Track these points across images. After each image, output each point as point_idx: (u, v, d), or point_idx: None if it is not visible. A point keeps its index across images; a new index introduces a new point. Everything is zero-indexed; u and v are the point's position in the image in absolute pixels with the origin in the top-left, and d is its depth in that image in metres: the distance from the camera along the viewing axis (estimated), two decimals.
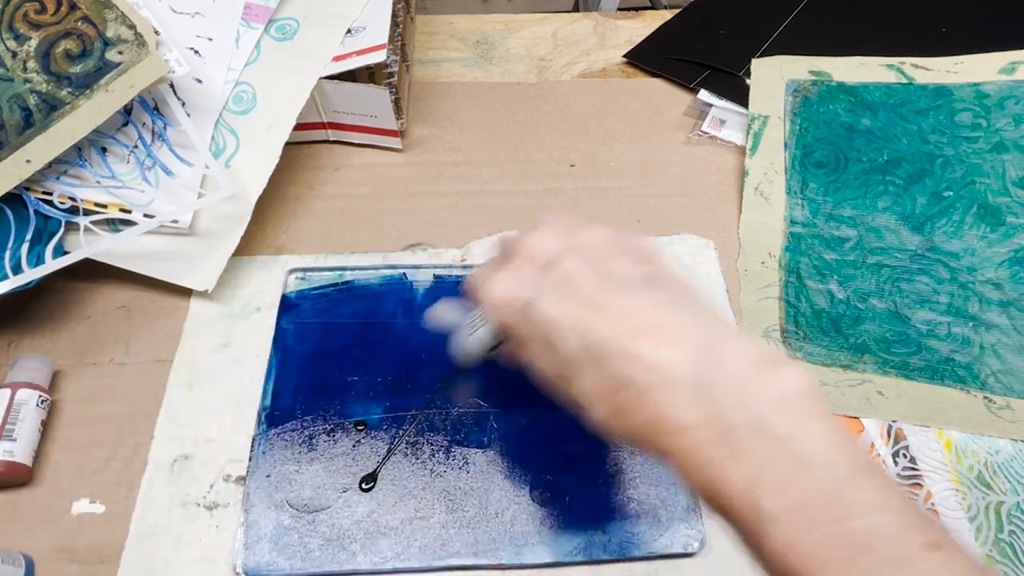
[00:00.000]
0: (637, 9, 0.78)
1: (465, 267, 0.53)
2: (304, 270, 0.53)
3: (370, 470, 0.44)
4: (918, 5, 0.71)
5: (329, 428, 0.45)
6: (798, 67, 0.63)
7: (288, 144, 0.54)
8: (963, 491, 0.44)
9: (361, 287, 0.52)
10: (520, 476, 0.44)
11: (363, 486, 0.43)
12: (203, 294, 0.51)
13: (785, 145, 0.59)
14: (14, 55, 0.47)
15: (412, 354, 0.49)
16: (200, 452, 0.45)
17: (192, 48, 0.54)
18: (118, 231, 0.50)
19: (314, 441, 0.45)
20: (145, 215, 0.50)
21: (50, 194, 0.48)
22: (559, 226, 0.33)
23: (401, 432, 0.45)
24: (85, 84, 0.47)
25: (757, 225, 0.56)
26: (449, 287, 0.52)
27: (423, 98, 0.66)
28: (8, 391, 0.44)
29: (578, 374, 0.29)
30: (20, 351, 0.49)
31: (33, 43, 0.48)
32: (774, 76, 0.63)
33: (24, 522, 0.42)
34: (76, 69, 0.47)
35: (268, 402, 0.47)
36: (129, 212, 0.50)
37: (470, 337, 0.37)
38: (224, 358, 0.49)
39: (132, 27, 0.48)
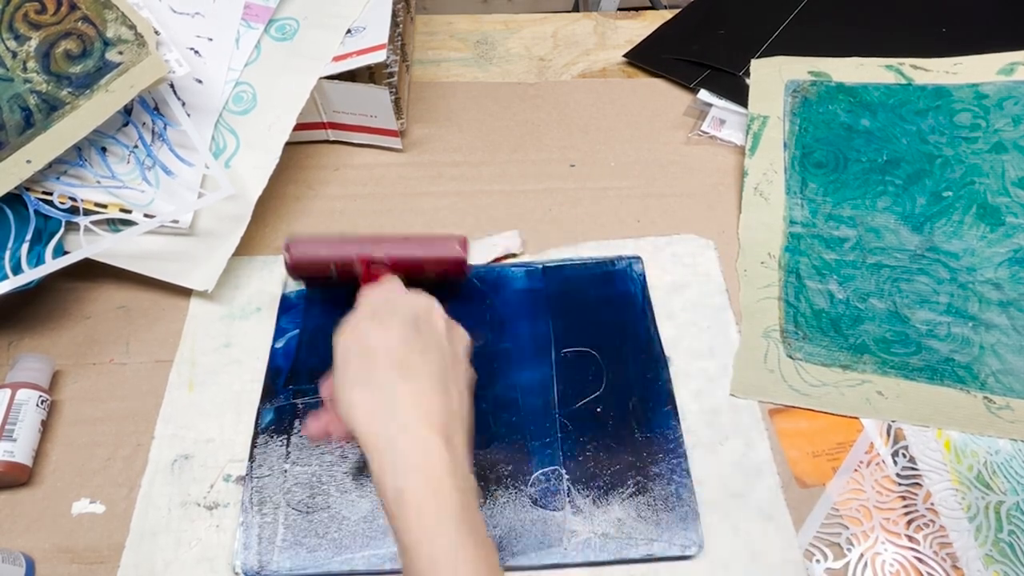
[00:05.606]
0: (637, 9, 0.78)
1: None
2: None
3: None
4: (917, 6, 0.71)
5: None
6: (797, 67, 0.63)
7: (288, 144, 0.54)
8: (963, 491, 0.44)
9: None
10: (520, 477, 0.44)
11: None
12: (203, 294, 0.51)
13: (784, 145, 0.60)
14: (14, 55, 0.47)
15: None
16: (200, 452, 0.45)
17: (192, 48, 0.54)
18: (118, 231, 0.50)
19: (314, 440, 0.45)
20: (145, 215, 0.50)
21: (50, 194, 0.48)
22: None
23: None
24: (85, 84, 0.47)
25: (757, 225, 0.56)
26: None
27: (423, 98, 0.66)
28: (8, 391, 0.44)
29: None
30: (20, 351, 0.49)
31: (33, 43, 0.48)
32: (773, 76, 0.63)
33: (24, 522, 0.42)
34: (76, 69, 0.47)
35: (269, 401, 0.47)
36: (129, 212, 0.50)
37: None
38: (224, 358, 0.49)
39: (132, 27, 0.48)
